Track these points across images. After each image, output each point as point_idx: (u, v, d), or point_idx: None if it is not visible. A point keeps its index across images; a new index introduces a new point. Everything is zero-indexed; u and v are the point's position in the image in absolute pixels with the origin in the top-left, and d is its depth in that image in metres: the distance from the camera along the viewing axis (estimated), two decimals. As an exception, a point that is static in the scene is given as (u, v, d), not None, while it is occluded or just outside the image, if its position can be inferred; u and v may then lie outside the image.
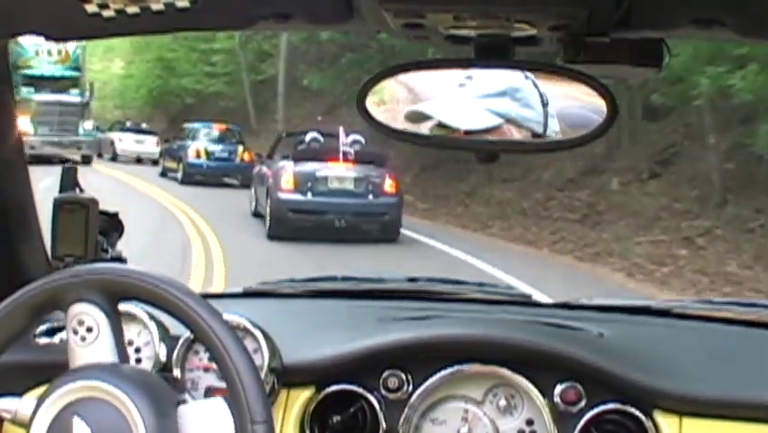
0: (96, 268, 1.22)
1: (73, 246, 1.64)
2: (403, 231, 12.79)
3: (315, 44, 22.82)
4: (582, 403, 1.43)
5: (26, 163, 1.68)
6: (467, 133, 1.21)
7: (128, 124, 32.01)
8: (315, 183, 12.25)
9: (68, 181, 1.70)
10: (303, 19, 1.24)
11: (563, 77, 1.19)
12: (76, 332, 1.18)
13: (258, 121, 27.62)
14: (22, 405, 1.19)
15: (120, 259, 1.73)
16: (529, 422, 1.45)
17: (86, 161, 24.37)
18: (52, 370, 1.48)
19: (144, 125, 31.91)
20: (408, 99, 1.23)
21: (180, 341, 1.44)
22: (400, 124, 1.24)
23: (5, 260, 1.63)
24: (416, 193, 17.10)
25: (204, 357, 1.45)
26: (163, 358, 1.45)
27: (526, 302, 1.94)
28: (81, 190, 1.70)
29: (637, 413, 1.41)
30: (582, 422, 1.42)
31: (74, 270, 1.22)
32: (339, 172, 12.34)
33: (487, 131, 1.20)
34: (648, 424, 1.41)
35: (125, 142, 29.44)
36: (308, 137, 13.68)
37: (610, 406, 1.42)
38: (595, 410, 1.42)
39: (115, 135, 29.92)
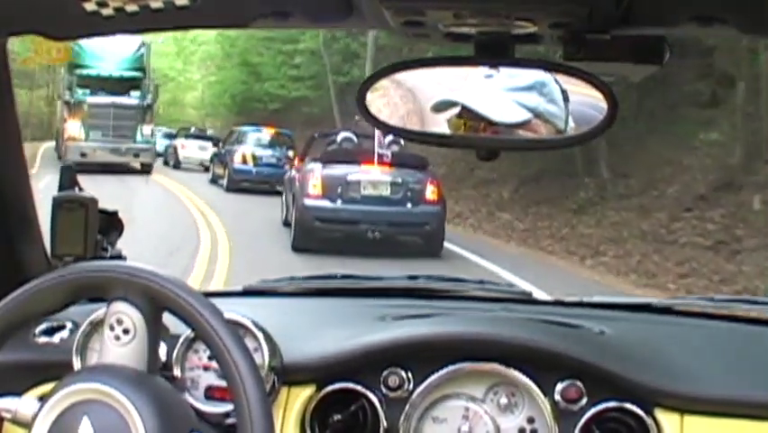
0: (143, 271, 1.21)
1: (72, 245, 1.63)
2: (482, 261, 10.89)
3: (407, 43, 20.67)
4: (583, 401, 1.43)
5: (26, 162, 1.68)
6: (492, 124, 1.19)
7: (192, 130, 30.51)
8: (346, 188, 10.85)
9: (67, 180, 1.69)
10: (302, 17, 1.24)
11: (564, 74, 1.19)
12: (112, 328, 1.18)
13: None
14: (22, 404, 1.19)
15: (120, 257, 1.73)
16: (530, 420, 1.45)
17: (146, 169, 22.89)
18: (52, 369, 1.48)
19: (210, 131, 30.59)
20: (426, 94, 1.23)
21: (180, 340, 1.44)
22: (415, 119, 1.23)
23: (5, 259, 1.63)
24: (514, 211, 14.99)
25: (203, 356, 1.45)
26: (163, 357, 1.45)
27: (527, 300, 1.94)
28: (80, 189, 1.70)
29: (638, 411, 1.41)
30: (583, 420, 1.42)
31: (127, 267, 1.21)
32: (373, 176, 10.91)
33: (518, 125, 1.19)
34: (649, 422, 1.41)
35: (188, 149, 28.05)
36: (340, 137, 12.46)
37: (611, 404, 1.42)
38: (596, 408, 1.42)
39: (179, 142, 28.46)
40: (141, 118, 23.05)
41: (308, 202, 10.92)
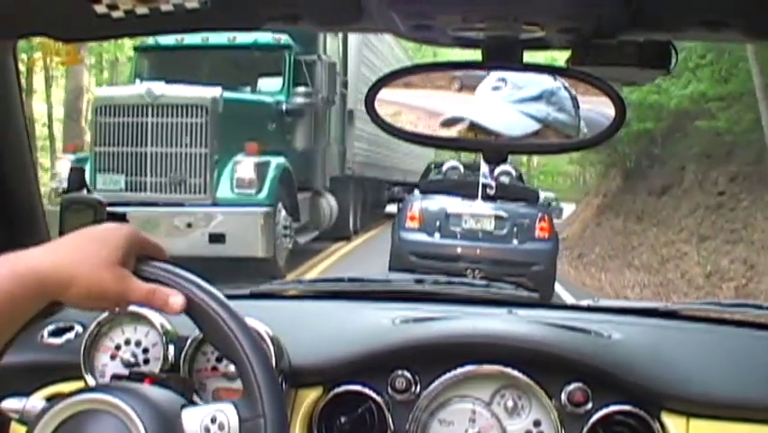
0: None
1: None
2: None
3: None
4: (590, 405, 1.43)
5: (34, 163, 1.69)
6: (500, 136, 1.19)
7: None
8: (446, 222, 9.65)
9: (76, 181, 1.70)
10: (312, 20, 1.24)
11: (571, 79, 1.19)
12: (214, 421, 1.11)
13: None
14: (29, 405, 1.20)
15: None
16: (536, 423, 1.45)
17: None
18: (59, 370, 1.49)
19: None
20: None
21: (188, 342, 1.44)
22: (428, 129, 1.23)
23: None
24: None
25: (212, 358, 1.45)
26: (171, 359, 1.45)
27: (534, 303, 1.94)
28: (89, 191, 1.71)
29: (644, 415, 1.42)
30: (590, 423, 1.42)
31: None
32: (476, 209, 9.62)
33: (528, 136, 1.18)
34: (655, 425, 1.41)
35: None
36: (446, 166, 11.54)
37: (617, 407, 1.42)
38: (602, 412, 1.43)
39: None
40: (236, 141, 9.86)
41: (404, 235, 9.80)
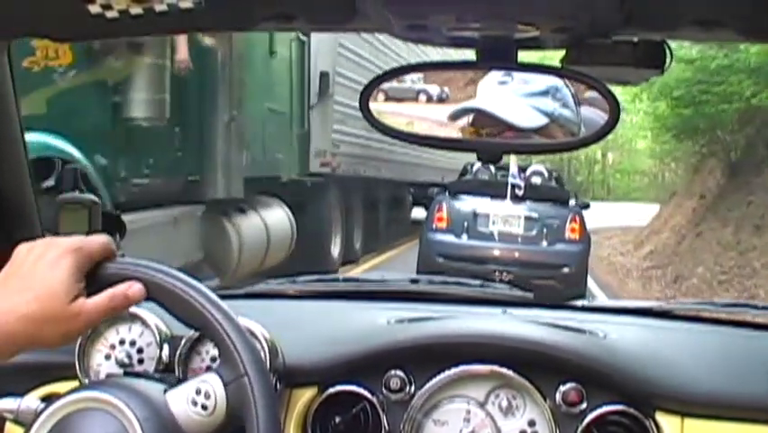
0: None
1: None
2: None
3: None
4: (584, 405, 1.43)
5: (27, 163, 1.68)
6: (510, 128, 1.19)
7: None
8: (474, 223, 9.55)
9: (70, 181, 1.70)
10: (305, 19, 1.25)
11: (566, 78, 1.20)
12: (198, 392, 1.14)
13: None
14: (24, 405, 1.20)
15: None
16: (531, 423, 1.45)
17: None
18: (53, 370, 1.48)
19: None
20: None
21: (183, 341, 1.44)
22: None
23: (4, 261, 1.63)
24: None
25: (206, 358, 1.45)
26: (165, 359, 1.45)
27: (529, 303, 1.94)
28: (82, 191, 1.71)
29: (639, 414, 1.42)
30: (584, 423, 1.42)
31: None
32: (505, 210, 9.55)
33: (536, 130, 1.19)
34: (650, 425, 1.41)
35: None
36: (476, 166, 11.40)
37: (612, 407, 1.43)
38: (597, 412, 1.43)
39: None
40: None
41: (432, 236, 9.74)
